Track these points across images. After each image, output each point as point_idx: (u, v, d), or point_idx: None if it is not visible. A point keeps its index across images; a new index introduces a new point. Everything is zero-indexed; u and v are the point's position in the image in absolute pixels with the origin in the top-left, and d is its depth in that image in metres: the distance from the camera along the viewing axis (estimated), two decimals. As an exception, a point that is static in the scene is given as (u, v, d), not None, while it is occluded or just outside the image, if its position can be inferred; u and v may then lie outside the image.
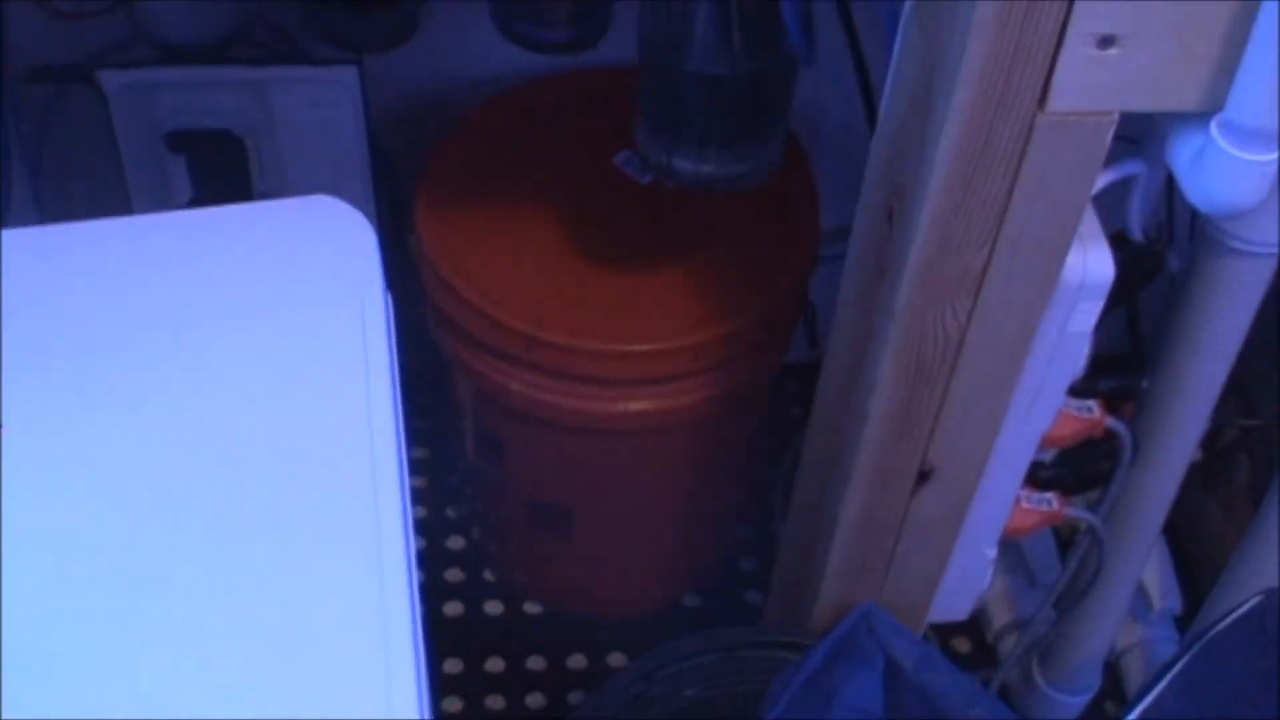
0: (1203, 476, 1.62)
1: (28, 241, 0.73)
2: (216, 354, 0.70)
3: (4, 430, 0.66)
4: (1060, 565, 1.29)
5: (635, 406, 1.26)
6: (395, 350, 0.74)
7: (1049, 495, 1.05)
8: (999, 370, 0.88)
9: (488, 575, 1.61)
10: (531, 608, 1.59)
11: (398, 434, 0.68)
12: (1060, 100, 0.74)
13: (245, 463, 0.66)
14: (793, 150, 1.35)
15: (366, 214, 1.30)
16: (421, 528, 1.64)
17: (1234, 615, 1.01)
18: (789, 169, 1.33)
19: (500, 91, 1.39)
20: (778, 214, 1.32)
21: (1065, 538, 1.48)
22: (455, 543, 1.63)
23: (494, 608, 1.59)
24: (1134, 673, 1.48)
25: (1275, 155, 0.75)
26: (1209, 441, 1.60)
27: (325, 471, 0.66)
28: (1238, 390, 1.58)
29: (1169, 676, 1.03)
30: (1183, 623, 1.48)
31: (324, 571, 0.63)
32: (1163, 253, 1.03)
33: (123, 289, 0.72)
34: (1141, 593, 1.49)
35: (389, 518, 0.64)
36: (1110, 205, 0.97)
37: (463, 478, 1.59)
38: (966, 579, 1.09)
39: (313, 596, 0.62)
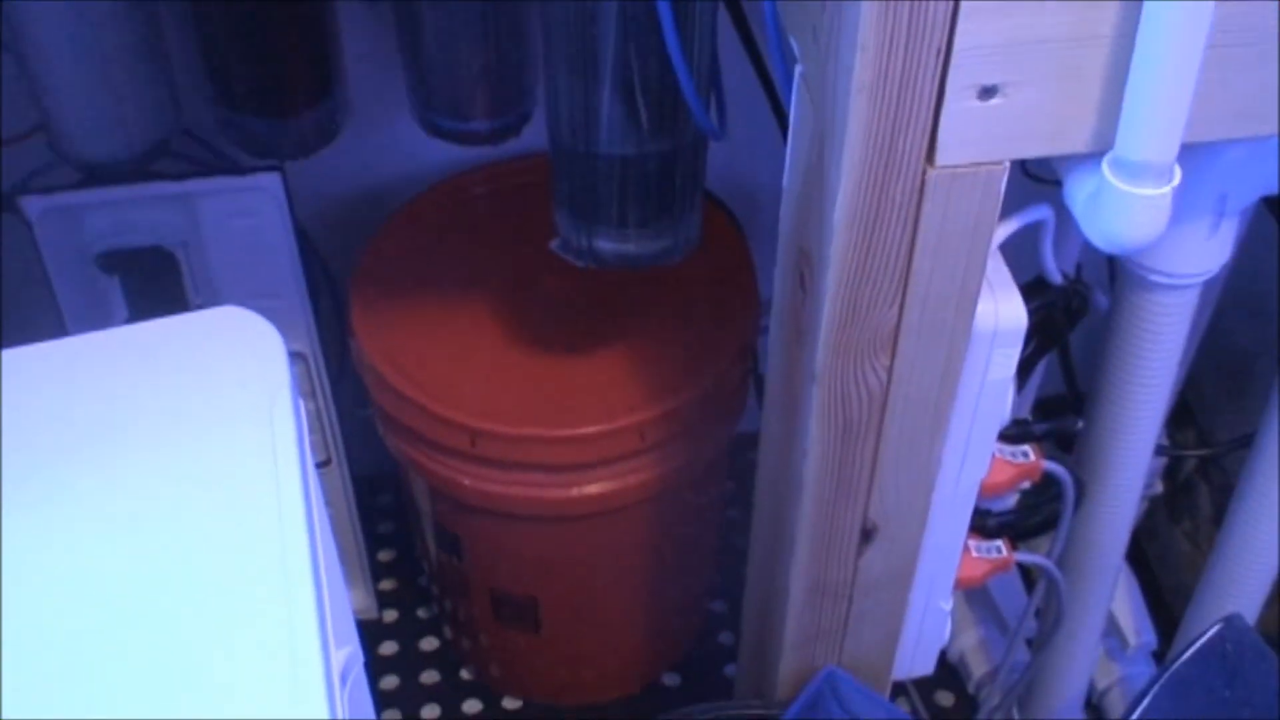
0: (1168, 509, 1.61)
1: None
2: (119, 474, 0.69)
3: None
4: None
5: (587, 490, 1.25)
6: (309, 454, 0.74)
7: (997, 543, 1.04)
8: (926, 423, 0.88)
9: (464, 674, 1.59)
10: (510, 703, 1.57)
11: (312, 539, 0.67)
12: (948, 154, 0.73)
13: (153, 579, 0.65)
14: (725, 221, 1.36)
15: (303, 319, 1.32)
16: (393, 631, 1.62)
17: (1195, 646, 1.01)
18: (723, 240, 1.34)
19: (430, 185, 1.40)
20: (715, 287, 1.32)
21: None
22: (429, 644, 1.62)
23: (472, 706, 1.57)
24: (1116, 712, 1.47)
25: (1168, 188, 0.75)
26: (1171, 473, 1.60)
27: (237, 581, 0.66)
28: (1193, 421, 1.58)
29: (1135, 715, 1.02)
30: (1161, 657, 1.47)
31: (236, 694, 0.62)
32: (1085, 294, 1.03)
33: (29, 415, 0.71)
34: (1116, 631, 1.48)
35: (304, 627, 0.63)
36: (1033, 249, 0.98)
37: (429, 577, 1.58)
38: (926, 634, 1.08)
39: None
